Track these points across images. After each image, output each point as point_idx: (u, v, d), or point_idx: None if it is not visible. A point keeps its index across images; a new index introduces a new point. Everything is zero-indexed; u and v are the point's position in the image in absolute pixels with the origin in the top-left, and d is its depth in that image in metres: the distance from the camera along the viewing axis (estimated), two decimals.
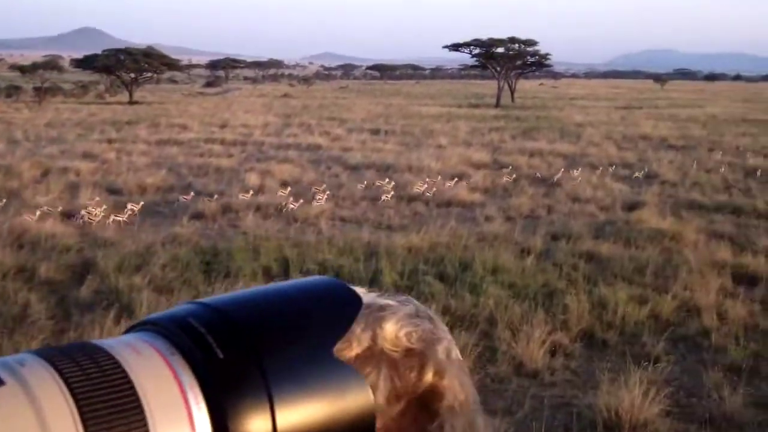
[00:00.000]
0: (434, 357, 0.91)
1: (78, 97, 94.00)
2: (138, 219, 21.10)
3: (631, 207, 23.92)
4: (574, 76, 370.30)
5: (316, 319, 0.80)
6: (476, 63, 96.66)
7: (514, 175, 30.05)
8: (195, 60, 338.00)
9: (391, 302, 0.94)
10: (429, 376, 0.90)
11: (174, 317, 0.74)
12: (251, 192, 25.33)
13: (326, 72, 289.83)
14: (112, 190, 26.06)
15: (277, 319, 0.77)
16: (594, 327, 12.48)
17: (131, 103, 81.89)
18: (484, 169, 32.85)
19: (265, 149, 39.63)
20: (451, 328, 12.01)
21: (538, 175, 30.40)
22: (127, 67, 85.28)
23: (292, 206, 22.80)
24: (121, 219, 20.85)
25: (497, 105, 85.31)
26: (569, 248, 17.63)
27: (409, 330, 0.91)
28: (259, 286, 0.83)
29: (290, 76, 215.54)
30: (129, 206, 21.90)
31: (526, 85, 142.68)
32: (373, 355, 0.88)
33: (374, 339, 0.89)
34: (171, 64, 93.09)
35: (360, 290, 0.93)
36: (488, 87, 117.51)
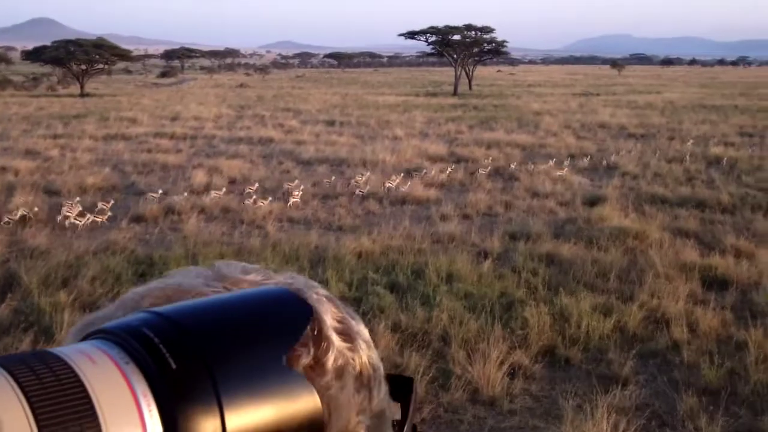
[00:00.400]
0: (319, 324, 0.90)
1: (29, 90, 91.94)
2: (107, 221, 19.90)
3: (592, 202, 23.07)
4: (531, 62, 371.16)
5: (266, 329, 0.82)
6: (433, 51, 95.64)
7: (472, 170, 29.16)
8: (151, 50, 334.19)
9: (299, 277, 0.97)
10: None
11: (129, 326, 0.77)
12: (197, 191, 24.30)
13: (283, 61, 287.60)
14: (51, 191, 24.76)
15: (228, 329, 0.79)
16: (556, 343, 11.52)
17: (82, 95, 79.98)
18: (440, 162, 31.89)
19: (216, 143, 38.40)
20: (402, 348, 11.08)
21: (496, 168, 29.42)
22: (77, 58, 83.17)
23: (252, 202, 21.82)
24: (100, 219, 19.98)
25: (455, 93, 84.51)
26: (528, 250, 16.71)
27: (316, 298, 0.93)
28: (213, 296, 0.86)
29: (246, 65, 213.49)
30: (100, 204, 20.89)
31: (484, 72, 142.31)
32: None
33: None
34: (122, 55, 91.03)
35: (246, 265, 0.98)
36: (446, 74, 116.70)
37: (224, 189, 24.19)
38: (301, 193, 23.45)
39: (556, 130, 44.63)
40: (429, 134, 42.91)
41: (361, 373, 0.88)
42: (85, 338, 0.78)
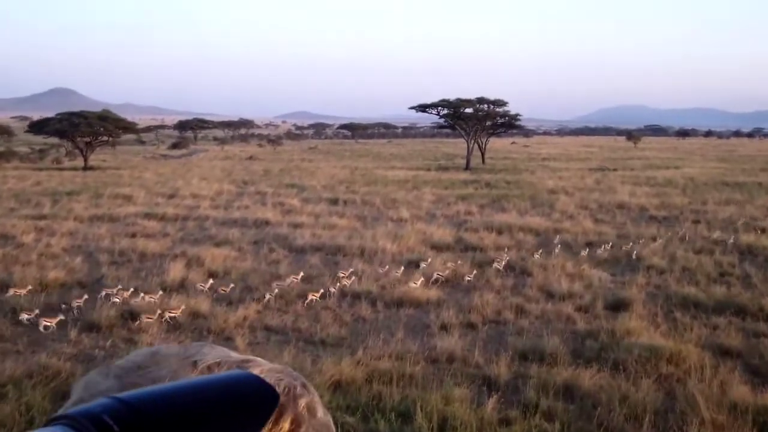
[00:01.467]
0: (293, 409, 1.00)
1: (34, 163, 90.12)
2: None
3: (616, 306, 20.22)
4: (546, 133, 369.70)
5: (229, 416, 0.83)
6: (445, 124, 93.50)
7: (480, 261, 26.39)
8: (168, 120, 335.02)
9: (258, 359, 1.07)
10: (285, 425, 0.98)
11: (89, 413, 0.77)
12: (171, 287, 21.64)
13: (298, 131, 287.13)
14: (3, 286, 22.13)
15: (191, 417, 0.80)
16: None
17: (86, 168, 77.99)
18: (446, 251, 29.18)
19: (207, 226, 35.83)
20: None
21: (506, 260, 26.58)
22: (81, 131, 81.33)
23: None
24: (50, 324, 17.40)
25: (467, 168, 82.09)
26: (542, 379, 13.83)
27: (275, 382, 1.00)
28: (178, 381, 0.86)
29: (260, 136, 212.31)
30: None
31: (498, 144, 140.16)
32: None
33: None
34: (127, 128, 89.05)
35: (221, 349, 1.08)
36: (460, 146, 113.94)
37: (199, 286, 21.50)
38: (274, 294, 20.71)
39: (572, 212, 41.89)
40: (437, 216, 40.27)
41: None
42: (48, 423, 0.78)
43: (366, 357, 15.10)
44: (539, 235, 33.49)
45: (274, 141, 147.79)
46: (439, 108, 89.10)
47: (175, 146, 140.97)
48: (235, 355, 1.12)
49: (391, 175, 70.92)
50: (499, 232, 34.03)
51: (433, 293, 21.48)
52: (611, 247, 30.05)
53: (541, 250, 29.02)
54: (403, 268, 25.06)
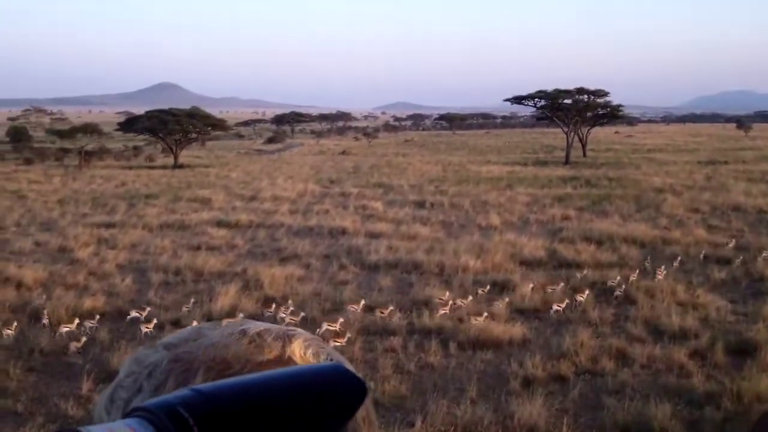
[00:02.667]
0: None
1: (127, 160, 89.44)
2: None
3: (739, 350, 16.64)
4: (650, 121, 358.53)
5: (316, 410, 0.81)
6: (543, 116, 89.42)
7: (574, 285, 22.96)
8: (269, 112, 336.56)
9: (299, 329, 1.12)
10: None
11: (165, 404, 0.75)
12: (218, 316, 18.85)
13: (395, 123, 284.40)
14: (36, 316, 19.83)
15: (275, 410, 0.78)
16: None
17: (175, 167, 76.67)
18: (536, 268, 25.84)
19: (279, 236, 33.19)
20: None
21: (605, 282, 23.03)
22: (170, 129, 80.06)
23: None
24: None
25: (566, 162, 77.90)
26: None
27: (316, 350, 1.07)
28: (260, 373, 0.84)
29: (357, 128, 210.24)
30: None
31: (601, 134, 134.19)
32: (281, 360, 1.03)
33: (283, 348, 1.05)
34: (216, 125, 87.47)
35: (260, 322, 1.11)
36: (561, 137, 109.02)
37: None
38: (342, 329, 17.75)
39: (681, 216, 37.90)
40: (529, 221, 36.85)
41: None
42: (126, 415, 0.78)
43: (425, 428, 12.03)
44: (644, 247, 29.77)
45: (369, 134, 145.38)
46: (536, 99, 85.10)
47: (270, 141, 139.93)
48: (276, 326, 1.11)
49: (485, 171, 67.40)
50: (599, 243, 30.43)
51: (517, 330, 18.18)
52: (729, 262, 26.21)
53: (646, 264, 25.49)
54: (486, 289, 21.91)
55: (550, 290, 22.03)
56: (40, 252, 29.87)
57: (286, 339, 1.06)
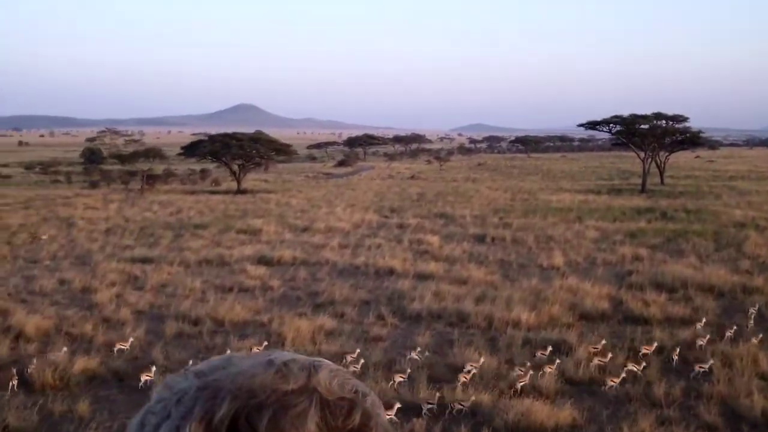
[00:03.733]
0: (362, 405, 1.15)
1: (193, 184, 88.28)
2: None
3: None
4: (733, 144, 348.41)
5: None
6: (618, 142, 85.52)
7: (640, 349, 19.91)
8: (345, 134, 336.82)
9: (326, 360, 1.19)
10: (357, 417, 1.13)
11: None
12: None
13: (470, 145, 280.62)
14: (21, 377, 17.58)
15: None
16: None
17: (238, 192, 75.05)
18: (599, 323, 22.89)
19: (320, 276, 30.75)
20: None
21: (675, 346, 19.89)
22: (233, 153, 78.48)
23: None
24: None
25: (642, 190, 74.12)
26: None
27: (342, 381, 1.15)
28: None
29: (430, 151, 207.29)
30: None
31: (681, 159, 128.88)
32: (307, 390, 1.11)
33: (309, 378, 1.13)
34: (281, 149, 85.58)
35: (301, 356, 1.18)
36: (639, 162, 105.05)
37: None
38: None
39: (764, 257, 34.41)
40: (596, 263, 33.76)
41: None
42: None
43: None
44: (722, 297, 26.55)
45: (440, 158, 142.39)
46: (611, 125, 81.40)
47: (341, 164, 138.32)
48: (303, 357, 1.18)
49: (555, 200, 64.18)
50: (671, 290, 27.29)
51: (566, 414, 15.27)
52: None
53: (724, 324, 22.34)
54: (538, 355, 19.08)
55: (609, 355, 19.05)
56: (60, 293, 27.88)
57: (312, 369, 1.12)
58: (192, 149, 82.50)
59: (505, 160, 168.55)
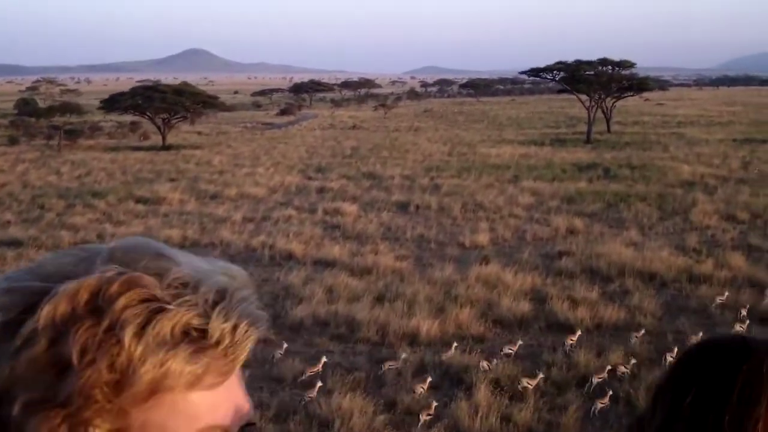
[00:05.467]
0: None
1: (122, 138, 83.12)
2: None
3: None
4: (683, 85, 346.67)
5: None
6: (563, 88, 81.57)
7: (555, 383, 16.00)
8: (297, 78, 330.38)
9: None
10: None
11: None
12: None
13: (422, 89, 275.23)
14: None
15: None
16: None
17: (163, 148, 70.08)
18: (516, 332, 18.95)
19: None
20: None
21: (603, 368, 15.98)
22: (156, 107, 73.29)
23: None
24: None
25: (587, 140, 70.45)
26: None
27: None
28: None
29: (378, 97, 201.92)
30: None
31: (630, 101, 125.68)
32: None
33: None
34: (206, 102, 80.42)
35: None
36: None
37: None
38: None
39: (713, 230, 30.80)
40: (526, 239, 29.94)
41: None
42: None
43: None
44: (665, 288, 22.79)
45: (386, 105, 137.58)
46: (555, 72, 77.41)
47: (283, 112, 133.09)
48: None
49: (495, 154, 60.25)
50: (607, 279, 23.53)
51: None
52: None
53: (665, 332, 18.55)
54: (424, 386, 15.12)
55: (520, 388, 15.15)
56: None
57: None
58: (111, 103, 77.08)
59: (454, 105, 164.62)
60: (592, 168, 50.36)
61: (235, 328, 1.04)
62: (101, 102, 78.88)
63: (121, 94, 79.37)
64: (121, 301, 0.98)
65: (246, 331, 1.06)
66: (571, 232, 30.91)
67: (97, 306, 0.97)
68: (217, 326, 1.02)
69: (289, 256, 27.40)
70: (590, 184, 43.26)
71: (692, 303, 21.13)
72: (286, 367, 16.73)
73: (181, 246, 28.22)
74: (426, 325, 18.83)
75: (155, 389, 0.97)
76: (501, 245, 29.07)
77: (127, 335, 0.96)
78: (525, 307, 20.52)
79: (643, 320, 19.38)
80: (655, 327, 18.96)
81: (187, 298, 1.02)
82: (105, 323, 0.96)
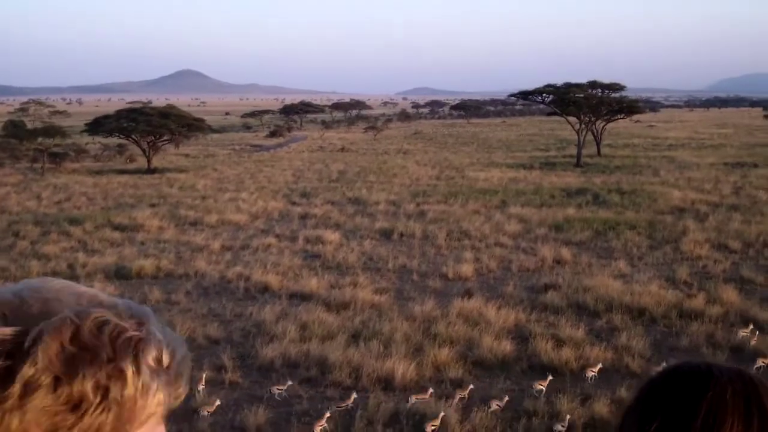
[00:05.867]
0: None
1: (107, 161, 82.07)
2: None
3: None
4: (673, 106, 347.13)
5: None
6: (553, 111, 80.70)
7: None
8: (289, 99, 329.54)
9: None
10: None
11: None
12: None
13: (413, 110, 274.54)
14: None
15: None
16: None
17: (148, 171, 69.09)
18: (495, 377, 17.87)
19: (176, 299, 25.36)
20: None
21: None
22: (140, 130, 72.10)
23: None
24: None
25: (577, 164, 69.61)
26: None
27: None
28: None
29: (369, 118, 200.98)
30: None
31: (621, 124, 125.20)
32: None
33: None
34: (192, 125, 79.17)
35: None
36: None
37: None
38: None
39: (705, 260, 29.83)
40: (511, 270, 28.91)
41: None
42: None
43: None
44: (654, 325, 21.79)
45: (375, 127, 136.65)
46: (544, 95, 76.59)
47: (272, 134, 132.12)
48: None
49: (483, 178, 59.33)
50: (594, 315, 22.53)
51: None
52: None
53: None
54: None
55: None
56: None
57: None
58: (96, 126, 75.92)
59: (444, 127, 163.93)
60: (581, 193, 49.44)
61: (173, 352, 1.07)
62: (85, 125, 77.65)
63: (106, 116, 78.29)
64: (106, 335, 1.00)
65: (182, 354, 1.09)
66: (558, 262, 29.92)
67: (84, 343, 0.98)
68: (166, 352, 1.05)
69: (265, 289, 26.34)
70: (579, 211, 42.28)
71: (683, 342, 20.12)
72: (248, 418, 15.64)
73: (155, 277, 27.46)
74: (402, 368, 17.75)
75: (148, 418, 1.01)
76: (485, 276, 28.06)
77: (128, 368, 1.00)
78: (507, 347, 19.44)
79: (631, 362, 18.33)
80: (644, 369, 17.90)
81: (146, 326, 1.04)
82: (103, 357, 0.99)
